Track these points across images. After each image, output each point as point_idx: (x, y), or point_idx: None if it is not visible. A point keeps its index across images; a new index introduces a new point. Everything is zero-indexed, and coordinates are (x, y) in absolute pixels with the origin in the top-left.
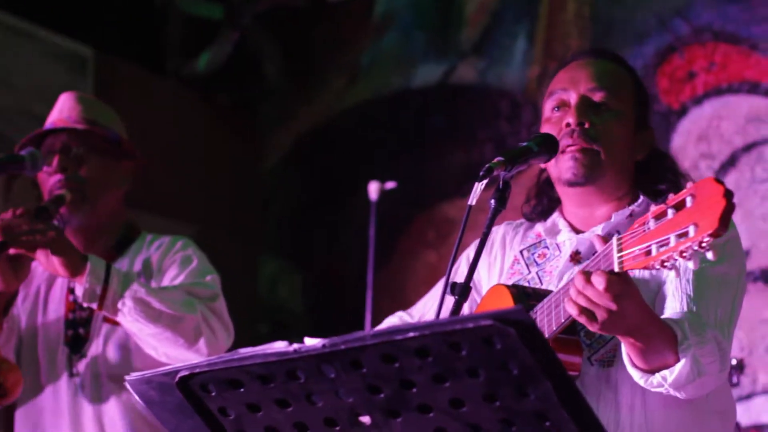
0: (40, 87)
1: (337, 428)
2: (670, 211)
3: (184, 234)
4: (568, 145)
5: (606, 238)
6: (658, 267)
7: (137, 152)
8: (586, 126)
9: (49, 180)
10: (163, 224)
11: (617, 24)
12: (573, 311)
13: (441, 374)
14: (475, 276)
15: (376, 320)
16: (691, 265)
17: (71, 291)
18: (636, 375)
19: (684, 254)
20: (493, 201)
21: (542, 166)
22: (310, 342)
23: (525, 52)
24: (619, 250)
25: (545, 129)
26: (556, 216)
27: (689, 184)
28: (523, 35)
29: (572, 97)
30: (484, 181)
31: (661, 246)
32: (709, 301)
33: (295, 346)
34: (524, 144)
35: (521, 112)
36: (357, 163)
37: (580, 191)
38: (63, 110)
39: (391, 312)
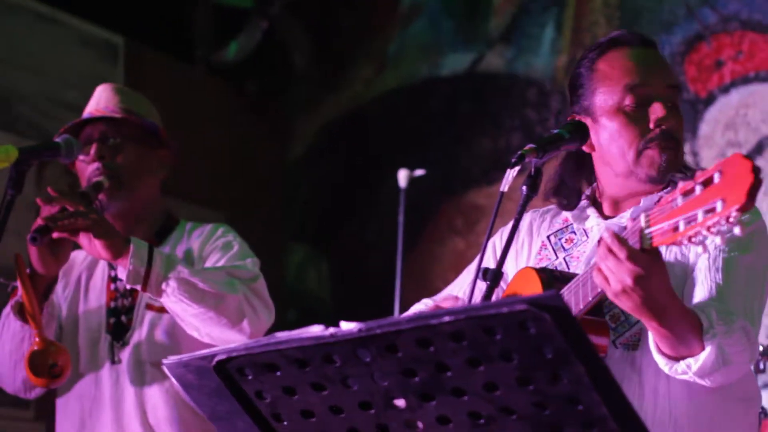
0: (70, 75)
1: (372, 411)
2: (698, 188)
3: (211, 221)
4: (658, 145)
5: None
6: (686, 243)
7: (173, 141)
8: (673, 130)
9: (88, 168)
10: (190, 211)
11: (645, 13)
12: (598, 280)
13: (475, 358)
14: None
15: (404, 307)
16: (718, 240)
17: (112, 280)
18: (661, 362)
19: (711, 229)
20: (524, 187)
21: (587, 150)
22: (346, 326)
23: (553, 41)
24: (647, 226)
25: (618, 119)
26: (584, 202)
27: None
28: (551, 24)
29: (656, 95)
30: (516, 168)
31: (689, 222)
32: (738, 290)
33: (332, 330)
34: (556, 131)
35: (549, 100)
36: (384, 151)
37: (646, 186)
38: (100, 101)
39: (419, 298)
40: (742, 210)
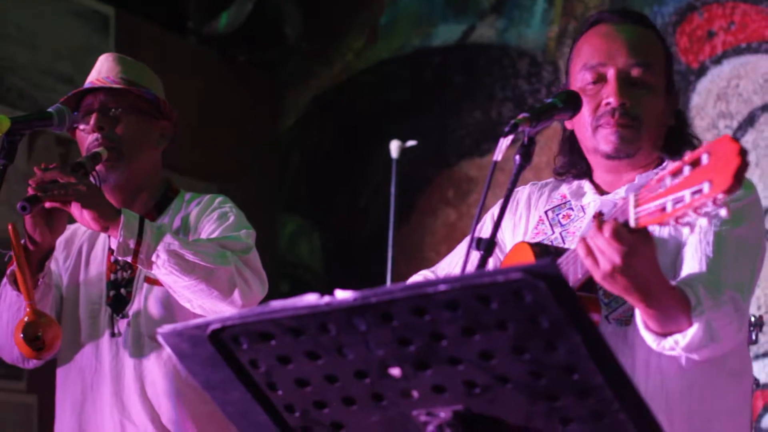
0: (61, 46)
1: (367, 380)
2: (686, 169)
3: (203, 192)
4: (608, 122)
5: None
6: (672, 223)
7: (174, 113)
8: (627, 105)
9: (87, 138)
10: (183, 182)
11: None
12: (581, 251)
13: (471, 327)
14: (500, 234)
15: (396, 278)
16: (704, 222)
17: (113, 251)
18: (649, 338)
19: (698, 210)
20: (518, 157)
21: (568, 126)
22: (341, 295)
23: (544, 12)
24: (636, 205)
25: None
26: (585, 182)
27: (705, 143)
28: None
29: (610, 72)
30: (510, 137)
31: (677, 202)
32: (728, 262)
33: (327, 299)
34: (549, 100)
35: (540, 71)
36: (376, 122)
37: (614, 162)
38: (101, 70)
39: (411, 269)
40: (728, 192)
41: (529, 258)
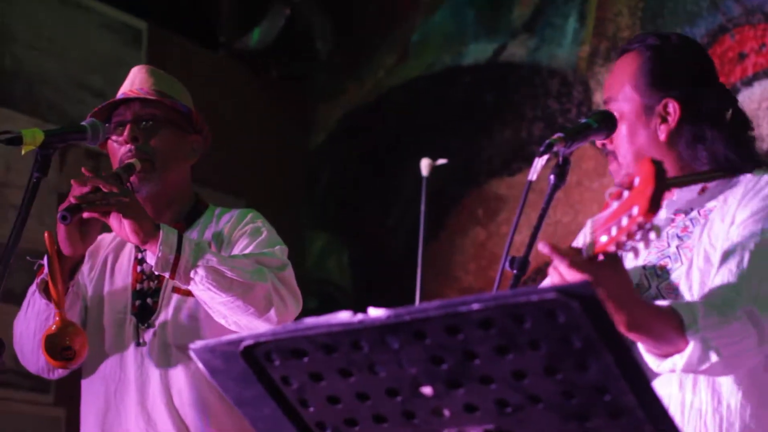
0: (93, 59)
1: (399, 398)
2: (625, 192)
3: (232, 207)
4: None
5: None
6: (615, 249)
7: (206, 126)
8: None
9: (120, 149)
10: (211, 197)
11: (668, 4)
12: (554, 280)
13: (503, 346)
14: None
15: (425, 296)
16: (642, 246)
17: (139, 262)
18: (649, 359)
19: (632, 236)
20: (552, 177)
21: (609, 147)
22: (374, 313)
23: (575, 32)
24: (593, 231)
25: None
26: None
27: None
28: (574, 14)
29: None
30: (545, 157)
31: (618, 227)
32: (752, 272)
33: (360, 316)
34: (584, 120)
35: (571, 91)
36: (405, 140)
37: None
38: (135, 82)
39: (438, 288)
40: (645, 217)
41: None
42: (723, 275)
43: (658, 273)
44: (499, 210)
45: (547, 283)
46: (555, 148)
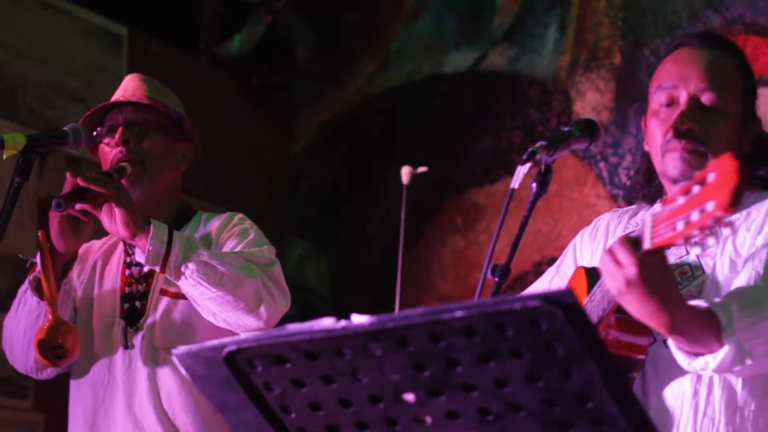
0: (74, 64)
1: (381, 405)
2: (695, 187)
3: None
4: (675, 147)
5: None
6: (682, 243)
7: (197, 136)
8: (696, 131)
9: (111, 152)
10: (191, 203)
11: (649, 14)
12: (602, 264)
13: (486, 354)
14: (579, 262)
15: (404, 304)
16: (711, 241)
17: (128, 265)
18: (680, 357)
19: (705, 230)
20: (534, 185)
21: (645, 148)
22: (358, 319)
23: (556, 41)
24: (653, 225)
25: (652, 121)
26: (658, 204)
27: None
28: (554, 24)
29: (682, 96)
30: (528, 165)
31: (686, 222)
32: None
33: (343, 323)
34: (566, 129)
35: (551, 100)
36: (385, 148)
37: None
38: (127, 88)
39: (417, 296)
40: (726, 211)
41: (581, 281)
42: (750, 276)
43: (677, 280)
44: (478, 218)
45: (529, 291)
46: (538, 156)
